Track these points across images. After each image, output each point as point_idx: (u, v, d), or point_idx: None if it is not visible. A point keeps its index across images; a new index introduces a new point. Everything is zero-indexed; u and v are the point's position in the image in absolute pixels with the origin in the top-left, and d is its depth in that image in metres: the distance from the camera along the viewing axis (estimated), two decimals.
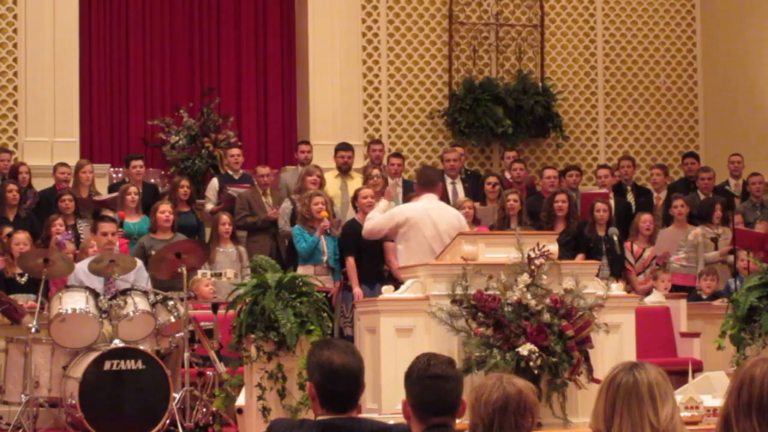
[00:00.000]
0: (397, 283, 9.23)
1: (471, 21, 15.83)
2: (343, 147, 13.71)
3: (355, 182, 13.20)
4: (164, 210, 11.84)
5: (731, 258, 12.56)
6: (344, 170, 13.56)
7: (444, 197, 13.26)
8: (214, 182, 13.69)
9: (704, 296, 12.42)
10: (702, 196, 13.96)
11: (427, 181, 10.10)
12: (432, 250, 9.60)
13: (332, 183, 13.39)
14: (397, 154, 14.15)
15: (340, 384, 4.12)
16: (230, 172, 13.74)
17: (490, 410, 3.78)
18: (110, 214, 11.98)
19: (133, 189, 12.62)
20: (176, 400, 9.66)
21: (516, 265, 8.54)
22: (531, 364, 8.27)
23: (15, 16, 14.12)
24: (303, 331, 8.26)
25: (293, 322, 8.23)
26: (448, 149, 14.36)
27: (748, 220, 13.55)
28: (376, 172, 12.94)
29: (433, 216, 9.71)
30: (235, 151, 13.91)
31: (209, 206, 13.38)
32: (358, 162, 14.02)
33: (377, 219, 10.09)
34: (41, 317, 9.91)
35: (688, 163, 15.04)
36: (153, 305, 10.03)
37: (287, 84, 15.68)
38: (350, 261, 11.59)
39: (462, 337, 8.44)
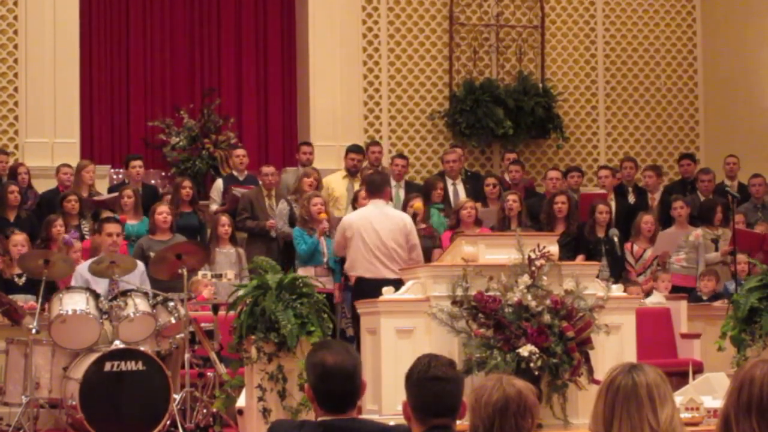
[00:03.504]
0: (398, 285, 9.23)
1: (471, 22, 15.83)
2: (354, 149, 13.71)
3: None
4: (162, 211, 11.81)
5: (731, 259, 12.56)
6: (353, 172, 13.55)
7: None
8: (219, 183, 13.69)
9: (704, 297, 12.42)
10: (702, 198, 13.97)
11: (373, 186, 10.34)
12: (375, 256, 9.75)
13: (340, 184, 13.40)
14: (401, 155, 14.16)
15: (333, 383, 4.13)
16: (235, 173, 13.74)
17: (490, 411, 3.78)
18: (111, 214, 11.97)
19: (127, 192, 12.59)
20: (177, 401, 9.66)
21: (516, 266, 8.54)
22: (531, 365, 8.27)
23: (15, 18, 14.12)
24: (303, 332, 8.26)
25: (294, 323, 8.23)
26: (449, 150, 14.38)
27: (749, 221, 13.56)
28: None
29: (374, 222, 9.89)
30: (241, 152, 13.89)
31: (214, 207, 13.37)
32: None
33: (334, 241, 10.40)
34: (42, 318, 9.91)
35: (684, 164, 15.06)
36: (153, 306, 10.03)
37: (288, 85, 15.68)
38: None
39: (462, 338, 8.45)
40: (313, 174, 12.67)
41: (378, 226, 9.89)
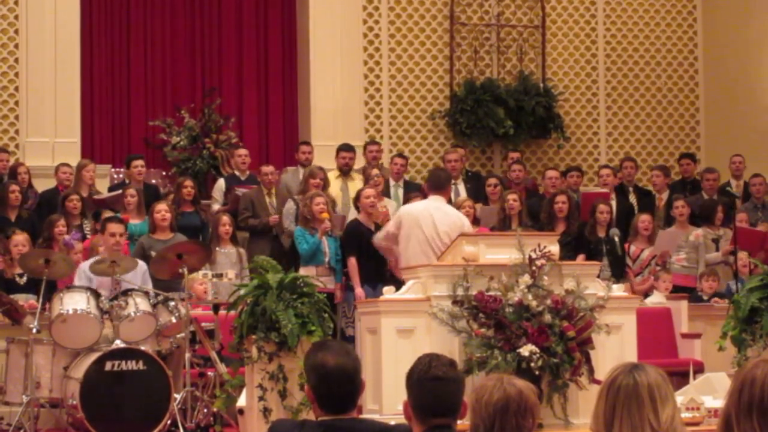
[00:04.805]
0: (398, 284, 9.23)
1: (472, 22, 15.83)
2: (345, 148, 13.69)
3: (356, 183, 13.21)
4: (160, 210, 11.77)
5: (732, 259, 12.56)
6: (345, 171, 13.55)
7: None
8: (221, 183, 13.68)
9: (705, 297, 12.42)
10: (706, 197, 13.97)
11: (437, 182, 10.18)
12: (432, 249, 9.62)
13: (333, 183, 13.38)
14: (401, 155, 14.16)
15: (335, 386, 4.12)
16: (237, 173, 13.72)
17: (490, 411, 3.78)
18: (113, 214, 11.96)
19: (130, 191, 12.59)
20: (177, 401, 9.66)
21: (517, 266, 8.54)
22: (532, 365, 8.27)
23: (16, 17, 14.12)
24: (304, 332, 8.26)
25: (294, 323, 8.23)
26: (450, 150, 14.38)
27: (750, 221, 13.56)
28: (375, 171, 12.96)
29: (434, 216, 9.74)
30: (243, 151, 13.88)
31: (216, 207, 13.37)
32: (358, 163, 14.01)
33: (384, 228, 10.18)
34: (42, 318, 9.91)
35: (683, 164, 15.06)
36: (154, 306, 10.03)
37: (288, 84, 15.68)
38: (352, 261, 11.60)
39: (463, 338, 8.44)
40: (320, 174, 12.65)
41: (437, 219, 9.79)
